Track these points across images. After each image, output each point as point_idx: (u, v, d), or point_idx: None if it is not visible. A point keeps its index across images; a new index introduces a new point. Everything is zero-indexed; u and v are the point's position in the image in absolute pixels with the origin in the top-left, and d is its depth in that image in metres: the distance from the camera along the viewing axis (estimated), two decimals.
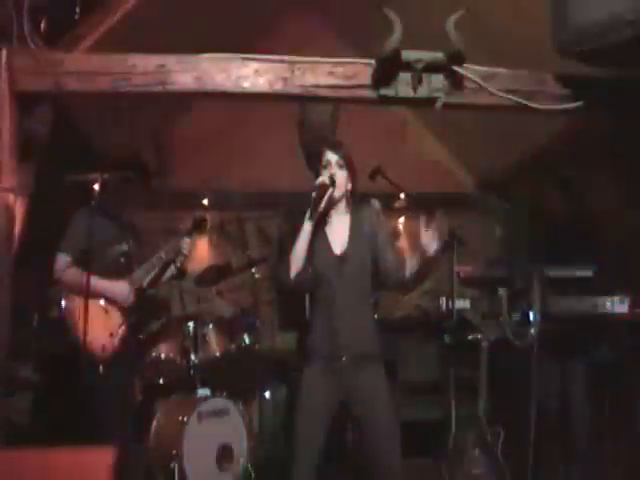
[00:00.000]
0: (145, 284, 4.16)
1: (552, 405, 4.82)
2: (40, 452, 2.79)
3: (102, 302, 3.94)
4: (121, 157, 4.07)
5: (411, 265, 3.63)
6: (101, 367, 3.86)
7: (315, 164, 3.62)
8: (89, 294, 3.64)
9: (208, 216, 4.41)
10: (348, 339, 3.46)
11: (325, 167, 3.59)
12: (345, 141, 6.65)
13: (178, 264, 4.27)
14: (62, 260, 3.87)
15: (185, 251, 4.24)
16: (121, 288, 4.01)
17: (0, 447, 3.17)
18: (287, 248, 3.47)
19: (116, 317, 3.99)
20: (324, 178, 3.53)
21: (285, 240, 3.55)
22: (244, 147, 6.83)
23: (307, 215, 3.48)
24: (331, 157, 3.60)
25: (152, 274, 4.20)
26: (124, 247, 4.12)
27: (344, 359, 3.45)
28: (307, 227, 3.47)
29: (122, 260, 4.10)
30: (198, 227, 4.29)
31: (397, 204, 5.59)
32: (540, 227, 4.51)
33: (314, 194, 3.48)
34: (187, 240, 4.26)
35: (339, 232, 3.61)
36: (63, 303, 3.95)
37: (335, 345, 3.45)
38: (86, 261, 3.63)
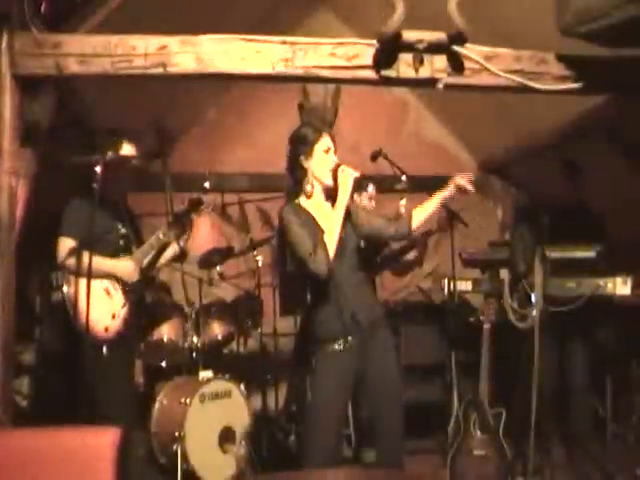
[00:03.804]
0: (144, 265, 4.16)
1: (553, 387, 4.83)
2: (44, 433, 2.81)
3: (104, 284, 3.94)
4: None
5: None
6: (105, 348, 3.86)
7: (307, 146, 3.60)
8: (95, 276, 3.63)
9: (204, 197, 4.38)
10: (365, 315, 3.57)
11: (327, 152, 3.58)
12: (346, 122, 6.66)
13: (181, 243, 4.27)
14: (66, 244, 3.86)
15: (186, 231, 4.25)
16: (126, 265, 4.02)
17: (6, 428, 3.19)
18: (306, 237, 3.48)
19: (118, 298, 3.99)
20: (356, 173, 3.53)
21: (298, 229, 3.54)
22: (246, 129, 6.83)
23: (338, 205, 3.52)
24: (330, 144, 3.61)
25: (151, 255, 4.19)
26: (123, 230, 4.11)
27: (364, 334, 3.55)
28: (340, 215, 3.50)
29: (121, 243, 4.10)
30: (194, 208, 4.28)
31: (398, 186, 5.58)
32: (542, 208, 4.50)
33: (349, 186, 3.50)
34: (186, 219, 4.26)
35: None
36: (65, 286, 3.94)
37: (355, 323, 3.52)
38: (89, 244, 3.62)
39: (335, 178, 3.55)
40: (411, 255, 5.19)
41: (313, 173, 3.59)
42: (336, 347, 3.50)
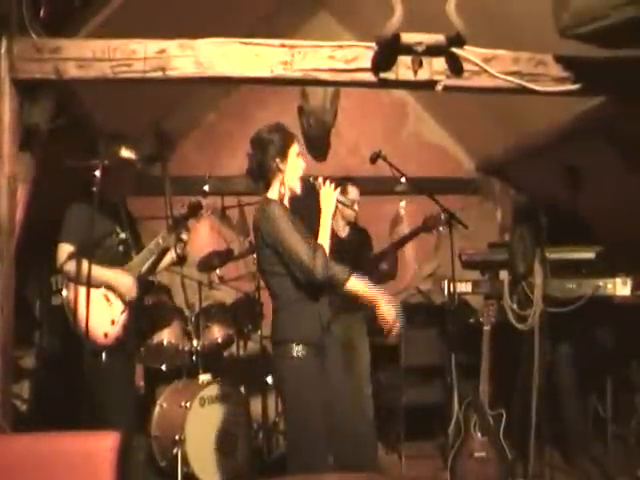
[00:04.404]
0: (143, 271, 4.15)
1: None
2: (44, 438, 2.80)
3: (103, 290, 3.93)
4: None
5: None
6: (104, 354, 3.86)
7: (282, 149, 3.61)
8: (94, 285, 3.63)
9: (204, 201, 4.38)
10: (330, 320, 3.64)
11: (298, 156, 3.64)
12: (346, 124, 6.65)
13: (178, 250, 4.26)
14: (65, 249, 3.86)
15: (184, 236, 4.24)
16: (126, 281, 4.00)
17: (6, 433, 3.19)
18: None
19: (117, 304, 3.98)
20: (336, 192, 3.65)
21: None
22: (245, 132, 6.82)
23: (325, 216, 3.58)
24: (299, 149, 3.67)
25: (150, 261, 4.18)
26: (122, 235, 4.10)
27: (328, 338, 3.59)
28: (329, 226, 3.55)
29: (121, 248, 4.09)
30: (193, 212, 4.28)
31: (398, 188, 5.59)
32: (541, 209, 4.50)
33: (333, 200, 3.60)
34: (184, 225, 4.26)
35: None
36: (64, 292, 3.94)
37: (326, 327, 3.56)
38: (88, 250, 3.62)
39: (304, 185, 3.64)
40: (383, 266, 5.19)
41: (287, 177, 3.61)
42: (315, 349, 3.48)
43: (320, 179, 3.64)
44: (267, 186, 3.65)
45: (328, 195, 3.60)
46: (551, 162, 5.24)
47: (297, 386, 3.47)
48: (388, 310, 3.48)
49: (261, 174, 3.66)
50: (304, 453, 3.45)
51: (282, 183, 3.60)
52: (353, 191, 5.10)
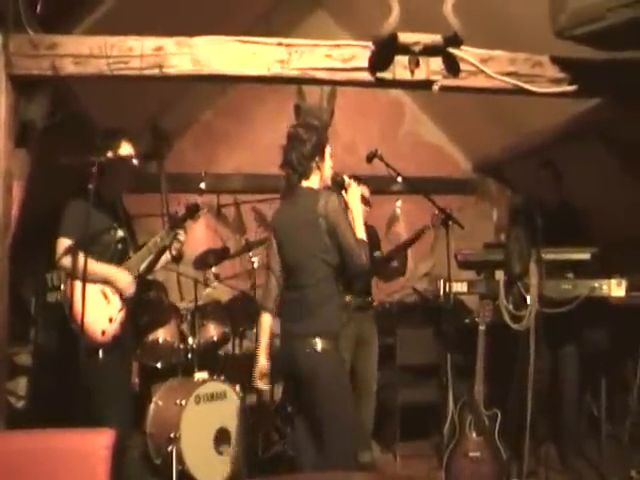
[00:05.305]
0: (141, 270, 4.15)
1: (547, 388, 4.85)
2: (39, 435, 2.80)
3: (101, 287, 3.93)
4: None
5: None
6: (101, 352, 3.85)
7: (322, 147, 3.63)
8: (91, 279, 3.64)
9: (201, 201, 4.38)
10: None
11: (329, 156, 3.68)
12: (342, 123, 6.65)
13: (174, 251, 4.25)
14: (63, 245, 3.85)
15: (181, 237, 4.23)
16: (124, 278, 3.99)
17: (2, 430, 3.19)
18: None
19: (115, 302, 3.97)
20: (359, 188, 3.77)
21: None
22: (242, 130, 6.83)
23: (356, 214, 3.63)
24: None
25: (148, 260, 4.18)
26: (120, 233, 4.10)
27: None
28: (362, 223, 3.61)
29: (119, 246, 4.09)
30: (191, 214, 4.27)
31: (394, 187, 5.59)
32: (536, 210, 4.51)
33: (358, 199, 3.69)
34: (182, 226, 4.25)
35: None
36: (62, 288, 3.94)
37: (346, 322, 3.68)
38: (86, 246, 3.62)
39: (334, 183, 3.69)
40: (394, 264, 5.24)
41: (325, 174, 3.66)
42: (337, 342, 3.55)
43: (347, 177, 3.67)
44: (301, 178, 3.63)
45: (355, 193, 3.66)
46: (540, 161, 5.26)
47: (336, 378, 3.53)
48: None
49: (301, 169, 3.61)
50: (345, 446, 3.49)
51: (320, 180, 3.65)
52: (365, 189, 5.10)
